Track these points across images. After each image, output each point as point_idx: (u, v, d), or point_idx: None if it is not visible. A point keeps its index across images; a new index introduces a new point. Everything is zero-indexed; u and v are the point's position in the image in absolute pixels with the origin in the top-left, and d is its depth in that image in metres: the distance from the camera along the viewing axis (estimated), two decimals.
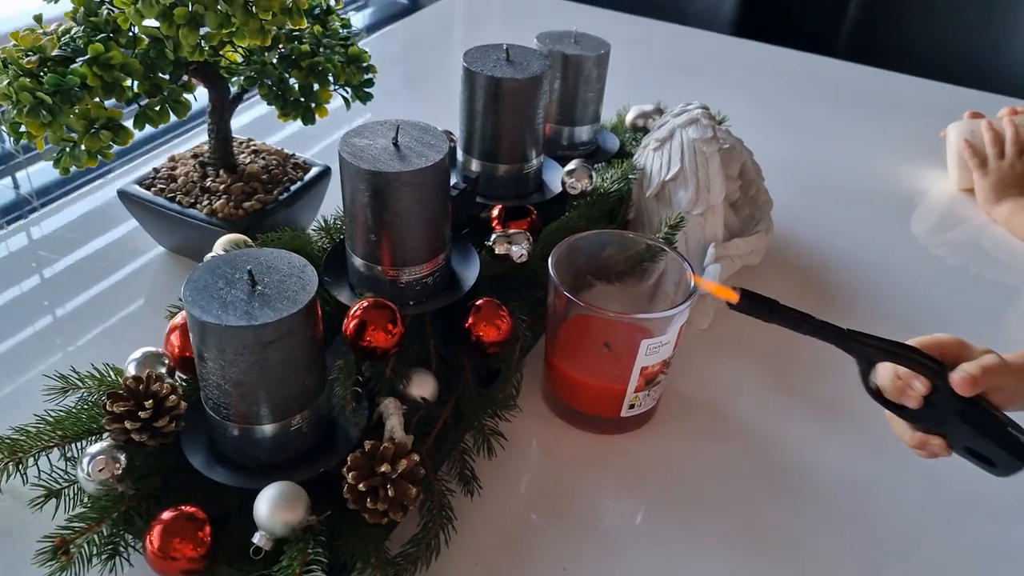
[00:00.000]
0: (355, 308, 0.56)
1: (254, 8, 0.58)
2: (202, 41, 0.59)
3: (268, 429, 0.50)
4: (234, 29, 0.57)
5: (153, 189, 0.73)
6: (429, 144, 0.58)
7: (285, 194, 0.74)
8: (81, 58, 0.59)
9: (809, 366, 0.71)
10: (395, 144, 0.57)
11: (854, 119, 1.14)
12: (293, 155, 0.79)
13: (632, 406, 0.61)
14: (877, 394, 0.52)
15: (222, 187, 0.72)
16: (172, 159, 0.76)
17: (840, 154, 1.05)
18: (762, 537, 0.57)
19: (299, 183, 0.75)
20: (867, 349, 0.50)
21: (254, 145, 0.79)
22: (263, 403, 0.49)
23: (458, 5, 1.48)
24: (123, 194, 0.73)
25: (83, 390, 0.56)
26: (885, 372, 0.52)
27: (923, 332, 0.73)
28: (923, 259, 0.89)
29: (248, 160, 0.76)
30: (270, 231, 0.67)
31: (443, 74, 1.21)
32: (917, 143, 1.06)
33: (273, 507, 0.48)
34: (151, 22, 0.58)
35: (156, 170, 0.75)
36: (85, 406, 0.55)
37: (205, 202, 0.71)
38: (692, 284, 0.59)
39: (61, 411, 0.53)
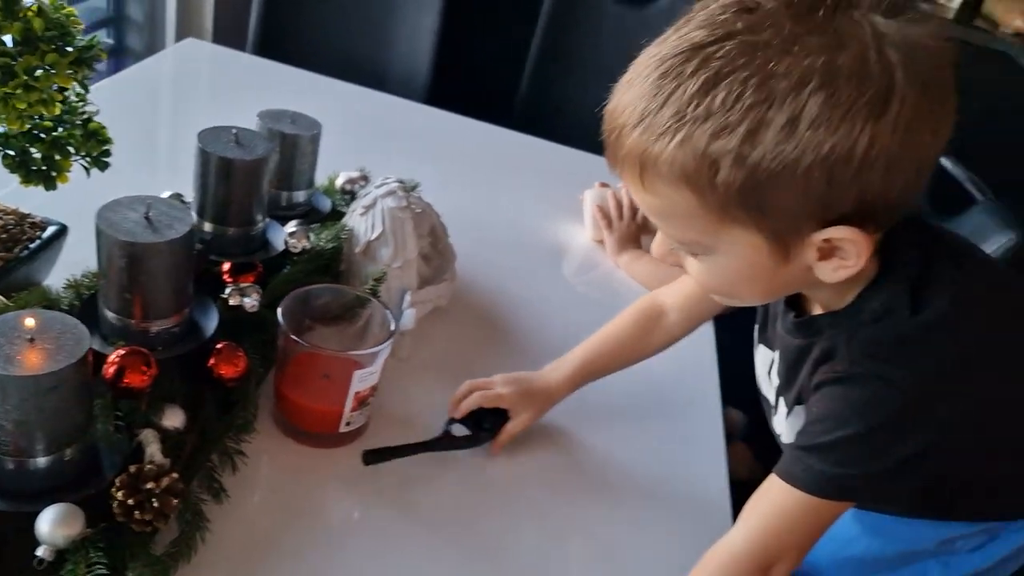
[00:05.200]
0: (113, 355, 0.67)
1: (14, 99, 0.67)
2: None
3: (42, 461, 0.60)
4: None
5: None
6: (177, 218, 0.70)
7: (25, 251, 0.81)
8: None
9: None
10: (147, 218, 0.69)
11: (519, 181, 1.40)
12: (29, 214, 0.85)
13: (348, 423, 0.78)
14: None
15: None
16: None
17: (509, 211, 1.30)
18: (455, 523, 0.76)
19: (38, 241, 0.82)
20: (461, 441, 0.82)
21: None
22: (40, 439, 0.59)
23: (166, 64, 1.56)
24: None
25: None
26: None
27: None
28: (571, 296, 1.15)
29: None
30: (11, 288, 0.75)
31: (153, 139, 1.30)
32: (563, 202, 1.32)
33: (53, 524, 0.58)
34: None
35: None
36: None
37: None
38: (392, 326, 0.77)
39: None
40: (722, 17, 0.55)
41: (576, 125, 1.77)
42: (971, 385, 0.64)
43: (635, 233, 1.20)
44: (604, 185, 1.26)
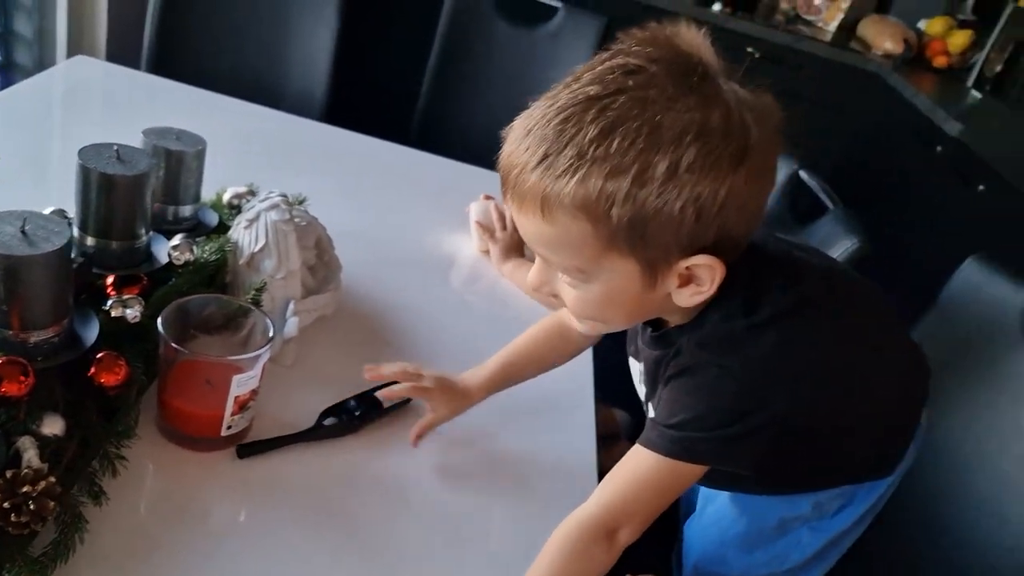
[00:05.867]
0: None
1: None
2: None
3: None
4: None
5: None
6: (54, 231, 0.73)
7: None
8: None
9: None
10: (23, 231, 0.71)
11: (410, 195, 1.45)
12: None
13: (230, 427, 0.81)
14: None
15: None
16: None
17: (398, 224, 1.34)
18: (332, 519, 0.80)
19: None
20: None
21: None
22: None
23: (56, 80, 1.55)
24: None
25: None
26: None
27: (460, 359, 1.02)
28: (458, 305, 1.20)
29: None
30: None
31: (39, 155, 1.30)
32: (451, 215, 1.37)
33: None
34: None
35: None
36: None
37: None
38: (271, 333, 0.81)
39: None
40: (611, 76, 0.64)
41: (470, 140, 1.84)
42: (799, 375, 0.73)
43: (518, 242, 1.26)
44: (488, 197, 1.32)
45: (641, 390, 0.87)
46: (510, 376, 0.97)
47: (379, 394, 0.91)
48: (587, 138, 0.63)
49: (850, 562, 0.98)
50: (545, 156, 0.64)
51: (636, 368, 0.87)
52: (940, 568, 1.04)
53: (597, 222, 0.64)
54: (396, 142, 1.64)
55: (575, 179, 0.63)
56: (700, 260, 0.67)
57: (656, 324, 0.80)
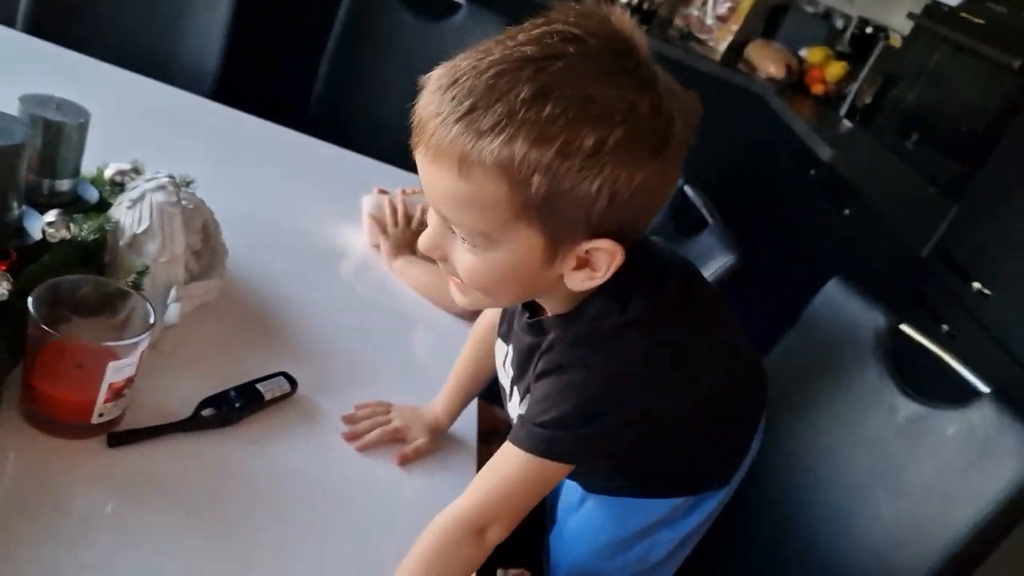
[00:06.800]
0: None
1: None
2: None
3: None
4: None
5: None
6: None
7: None
8: None
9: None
10: None
11: (303, 184, 1.43)
12: None
13: (102, 414, 0.78)
14: None
15: None
16: None
17: (289, 212, 1.32)
18: (202, 514, 0.79)
19: None
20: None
21: None
22: None
23: None
24: None
25: None
26: None
27: (344, 352, 1.02)
28: (345, 297, 1.20)
29: None
30: None
31: None
32: (344, 206, 1.36)
33: None
34: None
35: None
36: None
37: None
38: (152, 319, 0.79)
39: None
40: (550, 41, 0.63)
41: (367, 131, 1.83)
42: (658, 376, 0.75)
43: (410, 239, 1.26)
44: (383, 191, 1.31)
45: (507, 373, 0.88)
46: (469, 394, 1.00)
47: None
48: (519, 98, 0.60)
49: (697, 563, 1.03)
50: (472, 109, 0.61)
51: (502, 350, 0.88)
52: (787, 571, 1.11)
53: (515, 187, 0.63)
54: (289, 126, 1.62)
55: (501, 139, 0.61)
56: (603, 244, 0.67)
57: (532, 310, 0.81)
